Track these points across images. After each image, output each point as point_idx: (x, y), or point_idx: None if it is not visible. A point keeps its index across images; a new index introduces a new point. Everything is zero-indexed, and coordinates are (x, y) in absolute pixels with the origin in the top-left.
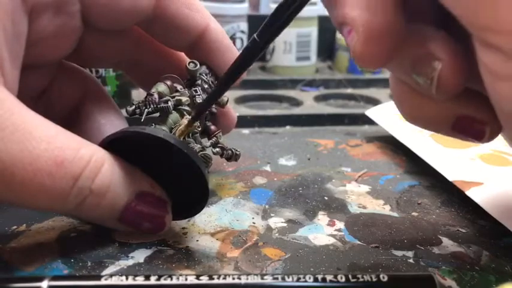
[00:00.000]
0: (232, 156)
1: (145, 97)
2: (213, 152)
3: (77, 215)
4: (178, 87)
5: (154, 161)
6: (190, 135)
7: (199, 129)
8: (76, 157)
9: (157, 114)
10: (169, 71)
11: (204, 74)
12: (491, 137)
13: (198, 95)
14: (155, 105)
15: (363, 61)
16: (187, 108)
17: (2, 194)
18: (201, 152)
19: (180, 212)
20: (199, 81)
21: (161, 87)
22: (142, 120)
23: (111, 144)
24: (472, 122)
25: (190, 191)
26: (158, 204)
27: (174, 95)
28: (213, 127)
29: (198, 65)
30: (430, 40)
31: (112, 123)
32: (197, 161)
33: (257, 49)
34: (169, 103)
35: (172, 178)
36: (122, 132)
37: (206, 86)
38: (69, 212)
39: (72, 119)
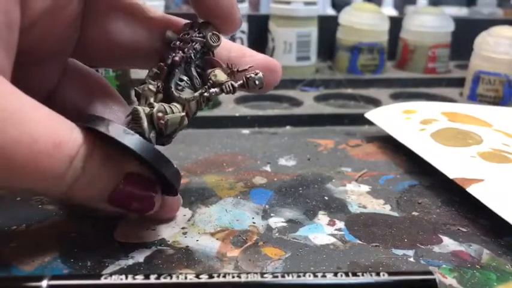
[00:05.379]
0: (247, 82)
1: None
2: (211, 94)
3: (67, 197)
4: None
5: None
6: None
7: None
8: (71, 138)
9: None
10: None
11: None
12: None
13: (169, 56)
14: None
15: None
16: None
17: (1, 177)
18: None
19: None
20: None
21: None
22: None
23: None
24: None
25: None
26: (147, 185)
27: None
28: (209, 70)
29: (170, 33)
30: None
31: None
32: (154, 163)
33: None
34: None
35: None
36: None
37: (178, 42)
38: (61, 195)
39: None
